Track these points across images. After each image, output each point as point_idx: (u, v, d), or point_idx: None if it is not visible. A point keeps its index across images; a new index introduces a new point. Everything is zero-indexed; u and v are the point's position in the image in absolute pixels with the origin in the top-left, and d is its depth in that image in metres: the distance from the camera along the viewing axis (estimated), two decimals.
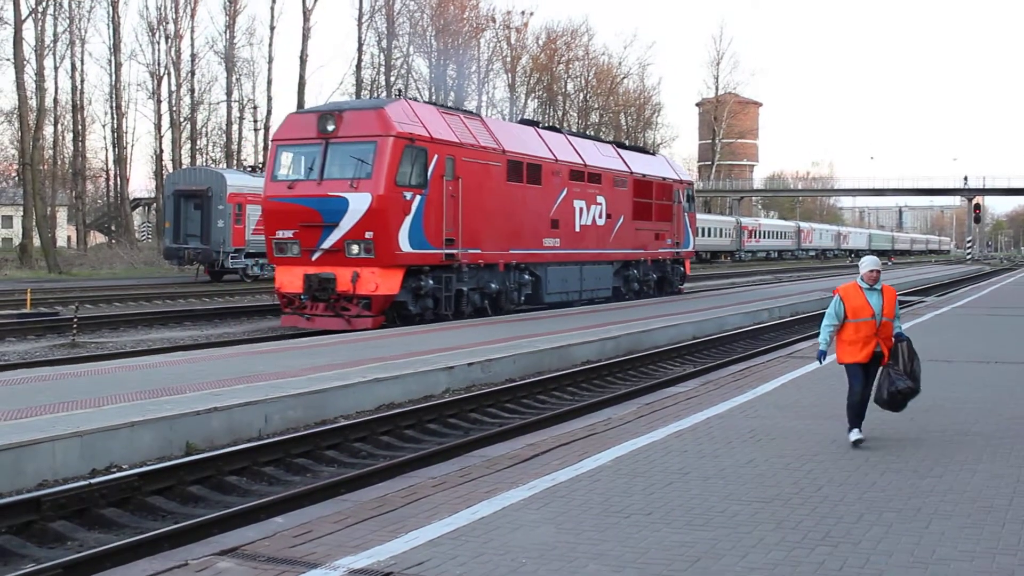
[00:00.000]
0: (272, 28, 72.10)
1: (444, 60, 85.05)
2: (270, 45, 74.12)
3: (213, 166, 63.68)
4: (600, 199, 31.06)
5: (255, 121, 74.42)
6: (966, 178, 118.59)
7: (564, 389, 16.61)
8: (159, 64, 69.60)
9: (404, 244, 22.62)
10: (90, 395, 12.35)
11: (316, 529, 7.03)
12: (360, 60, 78.67)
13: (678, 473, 8.59)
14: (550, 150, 28.96)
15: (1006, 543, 6.62)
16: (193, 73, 70.91)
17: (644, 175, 34.46)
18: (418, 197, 23.00)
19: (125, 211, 70.68)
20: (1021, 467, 8.80)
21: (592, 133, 77.11)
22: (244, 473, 10.64)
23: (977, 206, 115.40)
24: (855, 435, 9.69)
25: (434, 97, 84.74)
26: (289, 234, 22.91)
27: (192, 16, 70.51)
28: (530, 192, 27.41)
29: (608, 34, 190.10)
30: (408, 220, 22.69)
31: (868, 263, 9.87)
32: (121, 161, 69.80)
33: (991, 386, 13.84)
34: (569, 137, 31.89)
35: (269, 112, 73.29)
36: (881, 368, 9.75)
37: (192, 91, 71.04)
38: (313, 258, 22.74)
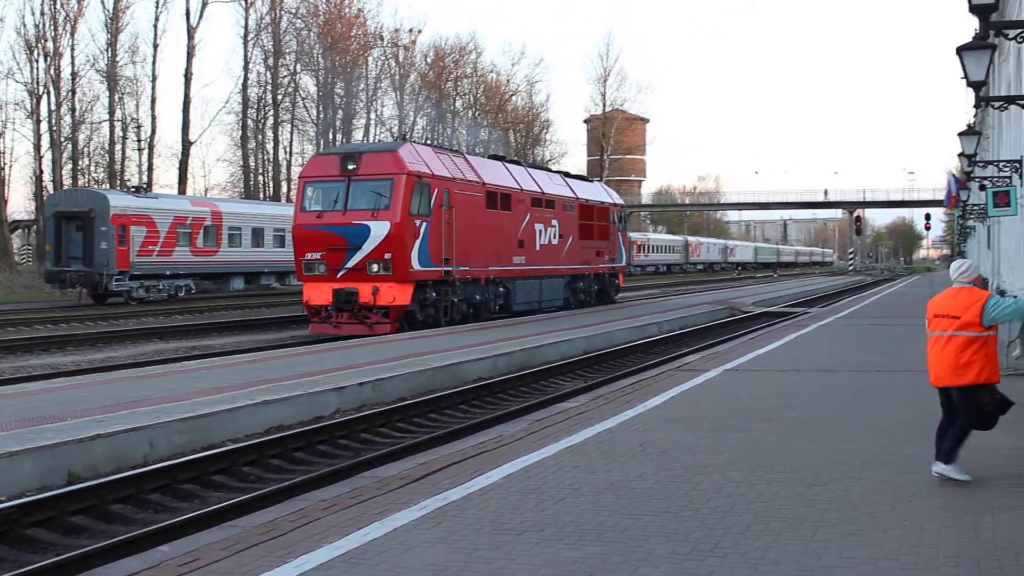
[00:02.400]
0: (155, 46, 70.89)
1: (332, 78, 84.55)
2: (153, 63, 72.05)
3: (95, 187, 62.21)
4: (554, 222, 35.98)
5: (139, 140, 72.96)
6: (826, 191, 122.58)
7: (456, 407, 16.57)
8: (38, 82, 67.76)
9: (415, 263, 26.99)
10: None
11: (203, 557, 6.88)
12: (246, 78, 77.92)
13: (569, 489, 8.60)
14: (516, 181, 33.86)
15: (888, 548, 6.76)
16: (74, 92, 69.14)
17: (587, 200, 39.72)
18: (424, 224, 27.36)
19: (3, 234, 68.62)
20: (904, 474, 9.00)
21: (481, 151, 77.50)
22: (129, 501, 10.39)
23: (858, 218, 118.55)
24: (959, 472, 8.74)
25: (321, 115, 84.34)
26: (317, 255, 27.02)
27: (72, 34, 68.78)
28: (503, 217, 32.17)
29: (496, 51, 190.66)
30: (417, 243, 27.10)
31: (973, 269, 9.07)
32: None
33: (873, 395, 14.18)
34: (528, 169, 37.15)
35: (153, 131, 72.04)
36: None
37: (73, 110, 69.27)
38: (338, 275, 26.79)
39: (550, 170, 42.75)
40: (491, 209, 31.32)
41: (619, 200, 45.17)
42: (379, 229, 26.40)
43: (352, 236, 26.59)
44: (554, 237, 35.79)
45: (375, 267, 26.47)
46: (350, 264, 26.66)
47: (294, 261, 28.35)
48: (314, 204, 27.61)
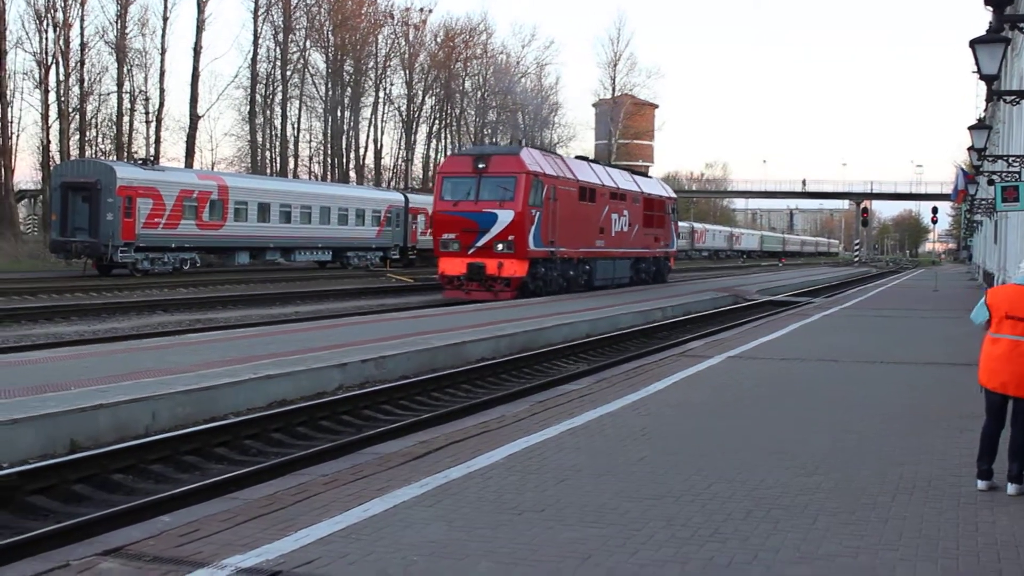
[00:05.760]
0: (165, 19, 70.62)
1: (341, 56, 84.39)
2: (163, 36, 71.63)
3: (102, 158, 62.13)
4: (625, 212, 42.89)
5: (147, 113, 72.74)
6: (804, 182, 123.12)
7: (458, 386, 16.56)
8: (47, 53, 67.51)
9: (531, 244, 33.74)
10: None
11: (203, 528, 6.89)
12: (256, 54, 77.78)
13: (571, 470, 8.60)
14: (598, 177, 40.67)
15: (888, 538, 6.76)
16: (83, 63, 68.85)
17: (649, 194, 46.78)
18: (538, 213, 34.01)
19: (10, 203, 68.54)
20: (904, 464, 8.99)
21: (489, 132, 77.63)
22: (130, 471, 10.40)
23: (865, 210, 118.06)
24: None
25: (330, 92, 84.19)
26: (452, 236, 33.82)
27: (82, 4, 68.40)
28: (590, 208, 38.96)
29: (507, 32, 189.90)
30: (532, 228, 33.74)
31: None
32: (5, 152, 67.63)
33: (876, 386, 14.17)
34: (606, 168, 44.42)
35: (161, 104, 71.85)
36: None
37: (81, 81, 68.99)
38: (469, 252, 33.46)
39: (620, 168, 49.61)
40: (582, 201, 37.98)
41: (673, 194, 52.70)
42: (505, 216, 32.99)
43: (482, 221, 33.20)
44: (625, 225, 42.71)
45: (500, 246, 33.09)
46: (480, 243, 33.28)
47: (433, 240, 36.12)
48: (450, 195, 34.12)
